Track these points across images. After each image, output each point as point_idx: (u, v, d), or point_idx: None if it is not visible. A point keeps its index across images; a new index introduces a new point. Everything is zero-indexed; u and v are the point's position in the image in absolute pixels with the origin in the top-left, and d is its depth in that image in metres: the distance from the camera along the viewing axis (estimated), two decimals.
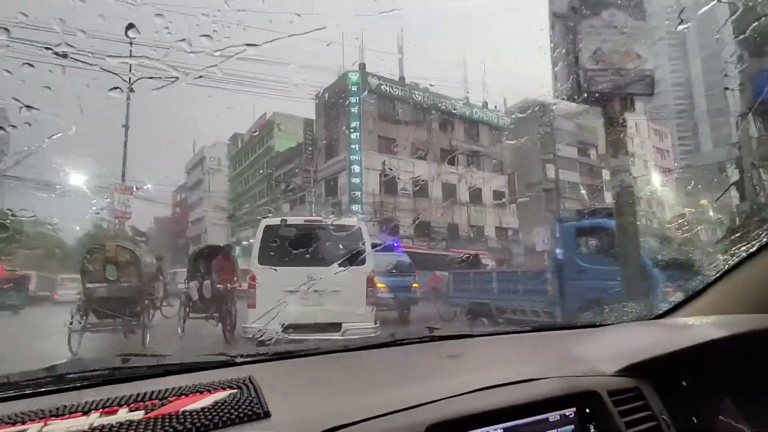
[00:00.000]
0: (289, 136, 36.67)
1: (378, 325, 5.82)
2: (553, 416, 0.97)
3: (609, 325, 1.65)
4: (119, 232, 13.68)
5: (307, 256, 5.39)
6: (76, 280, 23.05)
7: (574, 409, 1.00)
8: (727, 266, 1.38)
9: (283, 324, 3.63)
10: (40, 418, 0.76)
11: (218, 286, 7.97)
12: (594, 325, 1.67)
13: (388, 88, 29.25)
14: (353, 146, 27.69)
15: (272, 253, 5.62)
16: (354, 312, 5.43)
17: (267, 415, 0.80)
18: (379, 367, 1.26)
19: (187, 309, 8.04)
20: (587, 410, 1.01)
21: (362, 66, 28.79)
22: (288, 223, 6.01)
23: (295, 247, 5.43)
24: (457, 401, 0.90)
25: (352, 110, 27.92)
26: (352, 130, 27.69)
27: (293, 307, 4.39)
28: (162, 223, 54.13)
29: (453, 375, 1.10)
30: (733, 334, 1.14)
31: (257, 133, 42.16)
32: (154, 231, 53.70)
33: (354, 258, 5.52)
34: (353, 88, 27.75)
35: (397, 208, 27.72)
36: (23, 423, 0.75)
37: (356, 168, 27.58)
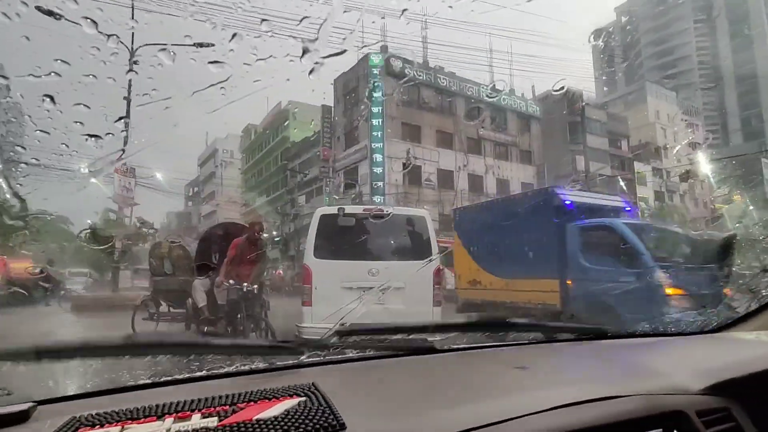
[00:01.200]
0: (305, 126, 35.06)
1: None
2: None
3: (677, 334, 1.62)
4: (121, 220, 12.18)
5: (368, 248, 4.99)
6: (84, 273, 21.85)
7: (660, 430, 0.91)
8: None
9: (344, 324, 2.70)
10: (117, 421, 0.78)
11: (240, 285, 5.02)
12: (658, 334, 1.66)
13: (412, 72, 27.37)
14: (375, 133, 25.86)
15: (329, 246, 5.18)
16: (420, 312, 4.94)
17: (342, 427, 0.77)
18: (445, 375, 1.21)
19: (195, 323, 5.70)
20: (674, 431, 0.93)
21: (384, 48, 26.93)
22: (346, 212, 5.35)
23: (354, 238, 5.06)
24: (535, 420, 0.84)
25: (374, 95, 26.09)
26: (373, 117, 25.87)
27: (353, 305, 3.55)
28: (173, 216, 53.15)
29: (527, 389, 1.04)
30: None
31: (271, 123, 40.62)
32: (165, 224, 52.93)
33: (420, 251, 5.17)
34: (375, 71, 25.90)
35: (421, 200, 25.88)
36: (102, 426, 0.76)
37: (378, 157, 25.77)
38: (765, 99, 74.06)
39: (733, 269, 5.47)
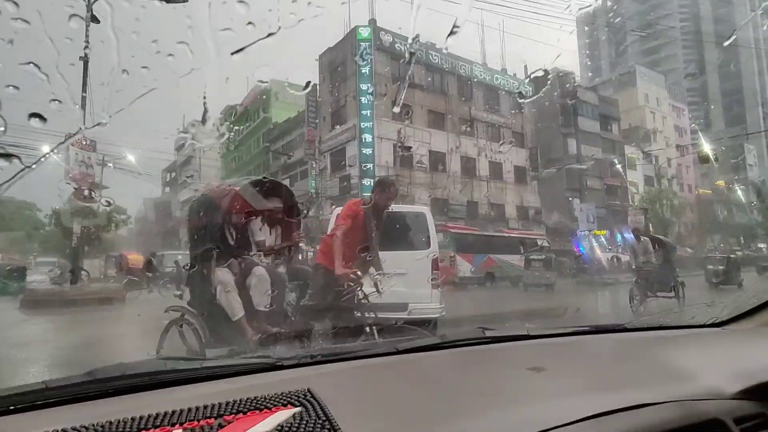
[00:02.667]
0: (288, 106, 33.29)
1: (443, 305, 5.94)
2: None
3: (685, 327, 1.56)
4: (79, 200, 10.53)
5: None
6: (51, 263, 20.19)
7: None
8: None
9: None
10: None
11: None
12: (671, 327, 1.58)
13: (402, 47, 25.87)
14: (364, 112, 24.38)
15: None
16: (420, 293, 5.70)
17: None
18: (452, 376, 1.12)
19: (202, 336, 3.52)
20: None
21: (373, 21, 25.36)
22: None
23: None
24: None
25: (363, 71, 24.53)
26: (362, 94, 24.35)
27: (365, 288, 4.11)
28: (149, 203, 50.89)
29: (546, 395, 0.96)
30: None
31: (252, 103, 38.62)
32: (141, 211, 50.59)
33: (421, 243, 5.92)
34: (364, 46, 24.31)
35: (412, 183, 24.66)
36: None
37: (368, 137, 24.32)
38: (747, 85, 74.84)
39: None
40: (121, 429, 0.73)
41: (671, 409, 0.88)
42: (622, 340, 1.50)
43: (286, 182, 31.25)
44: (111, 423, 0.74)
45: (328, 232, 3.99)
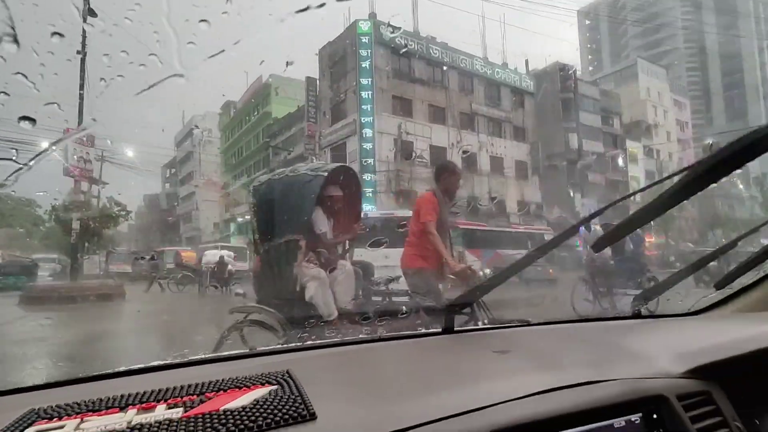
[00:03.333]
0: (288, 101, 33.13)
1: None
2: (618, 422, 0.89)
3: (656, 317, 1.61)
4: (78, 196, 10.45)
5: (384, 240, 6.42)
6: (51, 259, 20.13)
7: (640, 414, 0.92)
8: None
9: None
10: (77, 413, 0.75)
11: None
12: (639, 317, 1.61)
13: (402, 41, 25.67)
14: (364, 107, 24.21)
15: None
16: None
17: (313, 417, 0.75)
18: (419, 361, 1.17)
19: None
20: (654, 416, 0.93)
21: (373, 15, 25.14)
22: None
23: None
24: (516, 405, 0.84)
25: (363, 65, 24.35)
26: (362, 89, 24.19)
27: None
28: (150, 198, 50.82)
29: (506, 374, 1.03)
30: None
31: (252, 99, 38.43)
32: (141, 208, 50.55)
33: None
34: (364, 40, 24.12)
35: (413, 178, 24.55)
36: (60, 418, 0.73)
37: (368, 132, 24.18)
38: (749, 79, 74.46)
39: None
40: (107, 405, 0.77)
41: (616, 386, 0.93)
42: (588, 327, 1.58)
43: None
44: (99, 400, 0.79)
45: (412, 232, 3.63)
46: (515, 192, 30.54)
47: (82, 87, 9.09)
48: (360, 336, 1.28)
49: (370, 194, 23.68)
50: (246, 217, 38.08)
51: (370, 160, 23.93)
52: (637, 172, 40.20)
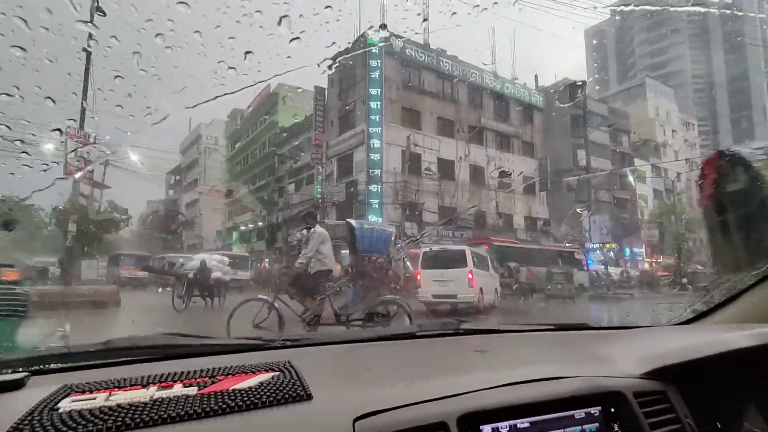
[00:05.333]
0: (295, 110, 32.98)
1: (474, 295, 10.93)
2: (579, 413, 0.99)
3: (638, 327, 1.69)
4: (75, 198, 10.06)
5: (438, 263, 11.30)
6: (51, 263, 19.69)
7: (599, 407, 1.01)
8: (760, 276, 1.43)
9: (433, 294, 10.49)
10: (105, 389, 0.84)
11: None
12: (622, 327, 1.72)
13: (413, 53, 25.52)
14: (373, 117, 23.97)
15: (425, 263, 11.63)
16: (462, 289, 10.86)
17: (309, 397, 0.86)
18: (410, 358, 1.31)
19: None
20: (612, 410, 1.02)
21: (383, 26, 25.02)
22: (433, 249, 12.42)
23: (434, 260, 11.53)
24: (487, 394, 0.94)
25: (372, 75, 24.17)
26: (371, 99, 23.97)
27: (437, 286, 10.82)
28: (153, 204, 50.52)
29: (481, 369, 1.15)
30: (762, 344, 1.16)
31: (259, 107, 38.33)
32: (144, 213, 50.22)
33: (462, 264, 11.14)
34: (374, 50, 23.97)
35: (420, 190, 24.18)
36: (91, 392, 0.83)
37: (376, 142, 23.89)
38: (756, 101, 74.35)
39: None
40: (131, 383, 0.88)
41: (579, 382, 1.03)
42: (564, 335, 1.66)
43: (291, 187, 30.90)
44: (123, 379, 0.89)
45: None
46: (522, 207, 30.11)
47: (86, 86, 8.78)
48: (351, 335, 1.39)
49: (377, 206, 23.29)
50: (249, 225, 37.85)
51: (377, 171, 23.58)
52: (645, 191, 39.76)
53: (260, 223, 32.04)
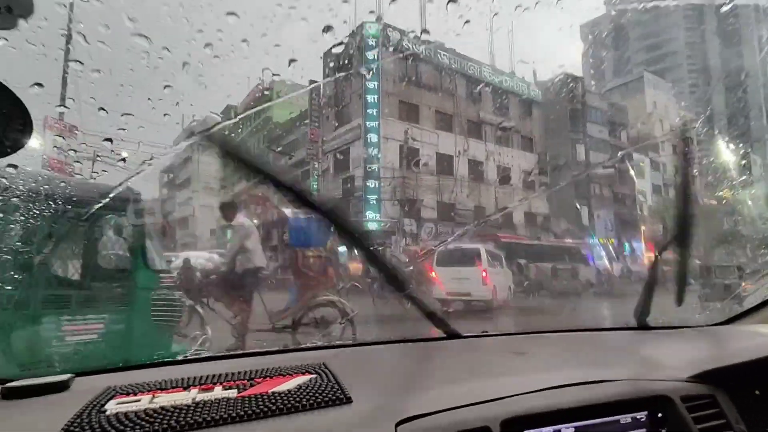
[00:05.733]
0: (290, 106, 32.34)
1: (489, 293, 11.05)
2: (625, 418, 0.96)
3: (677, 328, 1.66)
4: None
5: (455, 261, 11.14)
6: None
7: (645, 412, 0.98)
8: None
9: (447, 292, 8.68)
10: (149, 390, 0.87)
11: None
12: (661, 328, 1.68)
13: (410, 45, 24.97)
14: (370, 111, 23.41)
15: (440, 259, 11.27)
16: (476, 287, 10.95)
17: (349, 401, 0.85)
18: (446, 359, 1.28)
19: None
20: (659, 414, 0.99)
21: (380, 18, 24.44)
22: (448, 248, 11.67)
23: (448, 258, 11.20)
24: (529, 398, 0.92)
25: (370, 68, 23.59)
26: (368, 93, 23.41)
27: (452, 284, 10.43)
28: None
29: (522, 372, 1.12)
30: None
31: (253, 103, 37.64)
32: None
33: (476, 263, 11.22)
34: (371, 42, 23.40)
35: (418, 185, 23.68)
36: (135, 394, 0.86)
37: (373, 137, 23.33)
38: (752, 97, 74.37)
39: None
40: (173, 385, 0.89)
41: (624, 386, 0.99)
42: (606, 335, 1.65)
43: None
44: (164, 381, 0.91)
45: None
46: (523, 203, 29.68)
47: (66, 70, 8.16)
48: (380, 338, 1.41)
49: (374, 202, 22.77)
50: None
51: (375, 166, 23.04)
52: (644, 186, 39.46)
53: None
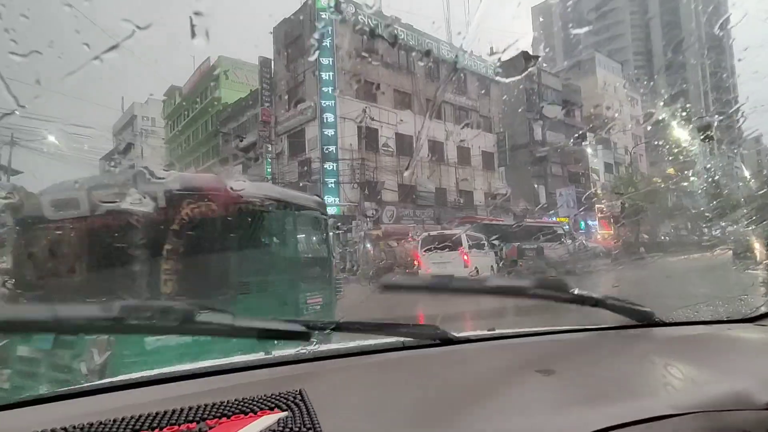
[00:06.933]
0: (239, 85, 30.43)
1: (470, 272, 11.95)
2: None
3: (705, 323, 1.47)
4: None
5: (438, 246, 12.19)
6: None
7: None
8: None
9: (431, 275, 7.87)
10: None
11: None
12: (682, 323, 1.48)
13: (366, 20, 23.76)
14: (325, 89, 22.15)
15: (427, 246, 12.55)
16: (458, 268, 11.69)
17: None
18: (455, 375, 1.05)
19: None
20: None
21: None
22: (431, 234, 14.31)
23: (432, 243, 12.65)
24: None
25: (323, 44, 22.26)
26: (323, 69, 22.13)
27: (435, 268, 11.46)
28: None
29: (555, 403, 0.87)
30: None
31: (199, 83, 35.22)
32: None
33: (455, 246, 12.28)
34: (323, 16, 22.02)
35: (378, 168, 22.83)
36: None
37: (329, 116, 22.14)
38: (691, 78, 78.26)
39: None
40: (102, 430, 0.73)
41: (695, 421, 0.81)
42: (643, 335, 1.38)
43: (238, 168, 28.60)
44: (94, 424, 0.74)
45: None
46: (482, 183, 29.54)
47: None
48: (371, 345, 1.17)
49: (333, 185, 21.73)
50: None
51: (332, 148, 21.92)
52: (597, 165, 40.50)
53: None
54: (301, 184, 19.71)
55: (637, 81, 75.81)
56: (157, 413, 0.75)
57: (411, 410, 0.84)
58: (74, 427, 0.72)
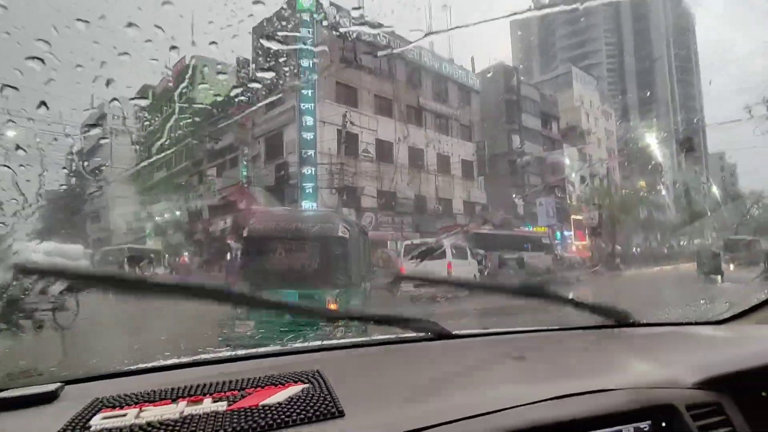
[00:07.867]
0: (216, 86, 29.53)
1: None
2: (627, 429, 0.93)
3: (674, 324, 1.63)
4: None
5: (423, 255, 11.96)
6: None
7: (649, 422, 0.94)
8: None
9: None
10: (136, 403, 0.85)
11: None
12: (657, 324, 1.64)
13: (347, 23, 23.45)
14: (305, 92, 21.65)
15: (411, 253, 12.11)
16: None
17: (341, 414, 0.82)
18: (443, 364, 1.23)
19: None
20: (663, 424, 0.96)
21: None
22: (413, 242, 13.92)
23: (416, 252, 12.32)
24: (531, 410, 0.89)
25: (304, 46, 21.80)
26: (303, 71, 21.63)
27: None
28: (49, 194, 44.07)
29: (522, 380, 1.09)
30: None
31: (173, 83, 34.07)
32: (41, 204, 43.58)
33: (440, 256, 12.15)
34: (304, 17, 21.58)
35: (358, 173, 22.41)
36: (121, 407, 0.84)
37: (309, 120, 21.61)
38: (660, 95, 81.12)
39: None
40: (161, 397, 0.87)
41: (627, 395, 0.95)
42: (605, 334, 1.53)
43: (212, 171, 27.68)
44: (153, 392, 0.89)
45: None
46: (461, 192, 29.45)
47: None
48: (377, 338, 1.36)
49: (311, 190, 21.17)
50: (165, 215, 33.92)
51: (311, 152, 21.38)
52: (573, 176, 41.12)
53: (178, 213, 28.58)
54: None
55: (611, 97, 78.25)
56: (205, 384, 0.92)
57: (410, 386, 1.00)
58: (129, 395, 0.87)
